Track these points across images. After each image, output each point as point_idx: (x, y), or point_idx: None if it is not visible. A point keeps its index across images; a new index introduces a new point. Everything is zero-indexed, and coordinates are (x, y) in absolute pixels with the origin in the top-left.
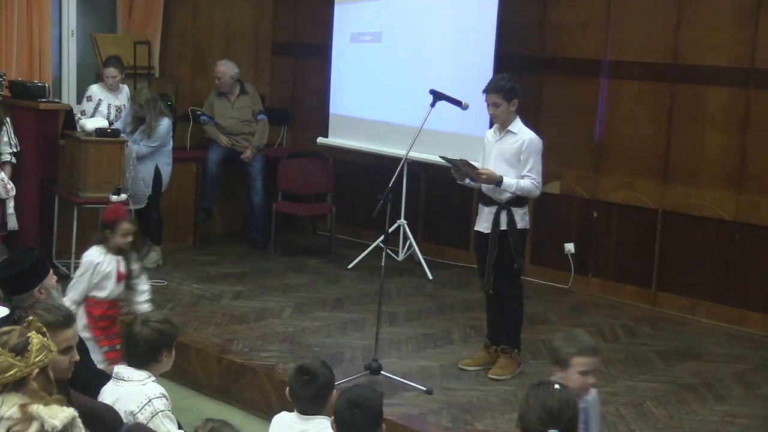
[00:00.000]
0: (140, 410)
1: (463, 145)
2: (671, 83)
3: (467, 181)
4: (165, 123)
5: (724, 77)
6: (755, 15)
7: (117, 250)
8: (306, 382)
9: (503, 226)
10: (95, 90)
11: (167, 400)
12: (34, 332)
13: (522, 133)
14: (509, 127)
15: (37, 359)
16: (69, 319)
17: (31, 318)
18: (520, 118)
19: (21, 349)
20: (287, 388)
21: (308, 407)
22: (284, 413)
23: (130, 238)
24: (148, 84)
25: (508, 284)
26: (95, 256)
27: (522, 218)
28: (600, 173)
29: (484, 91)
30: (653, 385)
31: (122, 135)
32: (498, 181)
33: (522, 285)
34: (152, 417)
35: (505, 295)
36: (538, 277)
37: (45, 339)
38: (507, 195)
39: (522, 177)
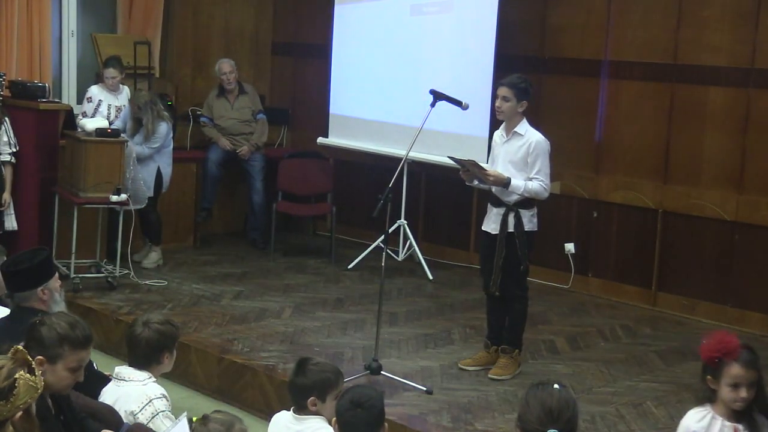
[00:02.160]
0: (141, 410)
1: (463, 145)
2: (671, 83)
3: (476, 182)
4: (163, 126)
5: (724, 77)
6: (755, 15)
7: (729, 411)
8: (296, 375)
9: (511, 228)
10: (95, 91)
11: (167, 400)
12: (22, 371)
13: (529, 135)
14: (516, 129)
15: (22, 402)
16: (89, 340)
17: (19, 347)
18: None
19: (6, 393)
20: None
21: (298, 404)
22: (283, 412)
23: (743, 394)
24: (148, 84)
25: (515, 286)
26: (695, 420)
27: (530, 220)
28: (600, 173)
29: (499, 83)
30: (653, 385)
31: (122, 135)
32: (506, 183)
33: (528, 287)
34: (153, 417)
35: (510, 297)
36: (538, 277)
37: (33, 377)
38: (515, 197)
39: (530, 179)
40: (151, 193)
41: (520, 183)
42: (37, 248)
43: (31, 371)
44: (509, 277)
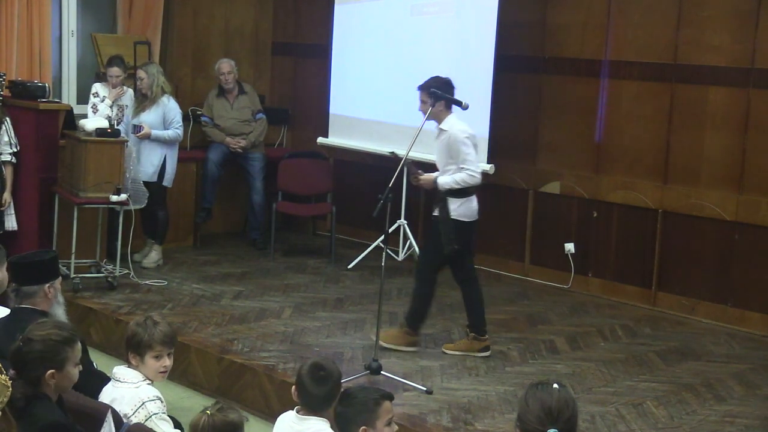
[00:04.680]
0: (134, 413)
1: None
2: (671, 83)
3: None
4: (174, 102)
5: (724, 77)
6: (755, 15)
7: None
8: (323, 378)
9: (436, 213)
10: (99, 87)
11: (162, 402)
12: None
13: (448, 129)
14: (441, 125)
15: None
16: (75, 330)
17: None
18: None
19: None
20: (296, 384)
21: (318, 405)
22: (288, 412)
23: None
24: None
25: (458, 271)
26: None
27: (457, 209)
28: (600, 173)
29: (417, 88)
30: (653, 385)
31: (122, 135)
32: (435, 184)
33: (471, 270)
34: (146, 420)
35: (458, 282)
36: (538, 277)
37: (2, 376)
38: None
39: (460, 169)
40: (154, 179)
41: (447, 179)
42: (44, 249)
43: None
44: (452, 262)
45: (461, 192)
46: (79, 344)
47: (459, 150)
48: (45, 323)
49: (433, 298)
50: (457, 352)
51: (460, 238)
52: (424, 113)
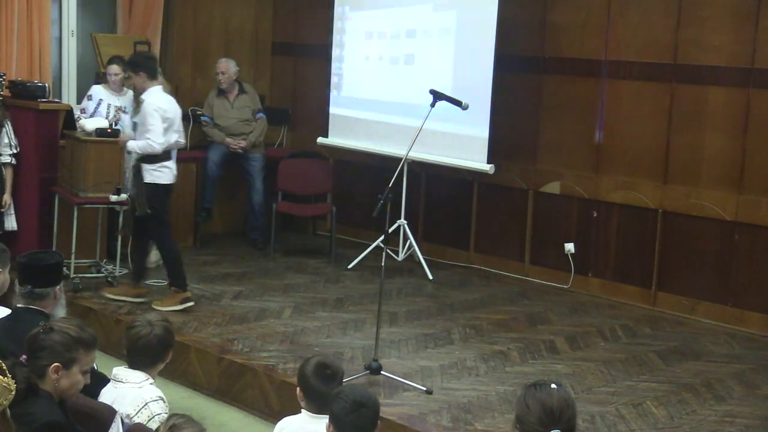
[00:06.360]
0: (137, 413)
1: (463, 144)
2: (671, 83)
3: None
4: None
5: (724, 77)
6: (755, 15)
7: None
8: (330, 377)
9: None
10: (96, 89)
11: (165, 402)
12: None
13: (145, 99)
14: (142, 96)
15: None
16: (97, 340)
17: None
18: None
19: None
20: (301, 386)
21: (327, 403)
22: (289, 418)
23: None
24: None
25: (150, 230)
26: None
27: (150, 173)
28: (600, 173)
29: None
30: (653, 385)
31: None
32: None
33: (161, 231)
34: (149, 420)
35: (153, 239)
36: (538, 277)
37: (4, 378)
38: (140, 153)
39: (146, 138)
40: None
41: (132, 143)
42: (50, 251)
43: (2, 372)
44: (145, 222)
45: (154, 158)
46: (95, 354)
47: (146, 120)
48: (72, 320)
49: (148, 250)
50: (165, 308)
51: (154, 201)
52: (135, 87)
